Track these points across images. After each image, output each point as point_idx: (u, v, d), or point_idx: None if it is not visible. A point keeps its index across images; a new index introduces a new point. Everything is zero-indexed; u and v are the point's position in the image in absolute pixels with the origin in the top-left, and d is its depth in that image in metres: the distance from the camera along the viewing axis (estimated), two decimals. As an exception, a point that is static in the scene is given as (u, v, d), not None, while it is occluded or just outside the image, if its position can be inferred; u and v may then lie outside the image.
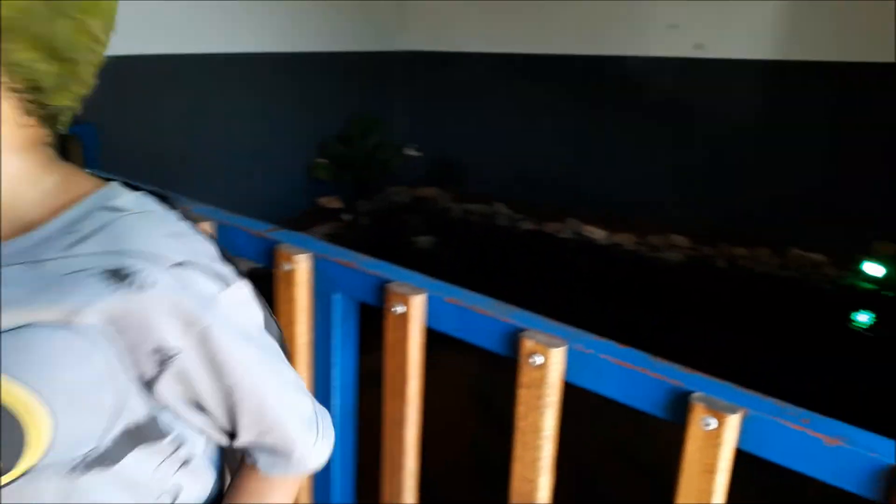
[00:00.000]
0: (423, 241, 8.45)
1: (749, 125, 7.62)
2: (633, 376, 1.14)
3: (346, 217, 8.29)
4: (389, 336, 1.35)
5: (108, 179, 0.87)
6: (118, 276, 0.74)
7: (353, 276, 1.41)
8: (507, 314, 1.26)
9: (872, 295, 6.74)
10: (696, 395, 1.08)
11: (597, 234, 8.11)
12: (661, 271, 7.66)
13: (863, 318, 6.57)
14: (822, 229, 7.41)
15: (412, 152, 9.56)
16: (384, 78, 9.25)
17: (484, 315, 1.26)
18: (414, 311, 1.31)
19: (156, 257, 0.75)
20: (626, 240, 8.03)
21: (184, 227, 0.83)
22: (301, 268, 1.47)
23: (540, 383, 1.20)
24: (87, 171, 0.91)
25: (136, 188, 0.88)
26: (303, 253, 1.45)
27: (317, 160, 8.23)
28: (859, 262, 7.02)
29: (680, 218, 8.27)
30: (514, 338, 1.23)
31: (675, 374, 1.12)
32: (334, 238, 7.92)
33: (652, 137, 8.14)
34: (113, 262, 0.74)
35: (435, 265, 7.94)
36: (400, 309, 1.31)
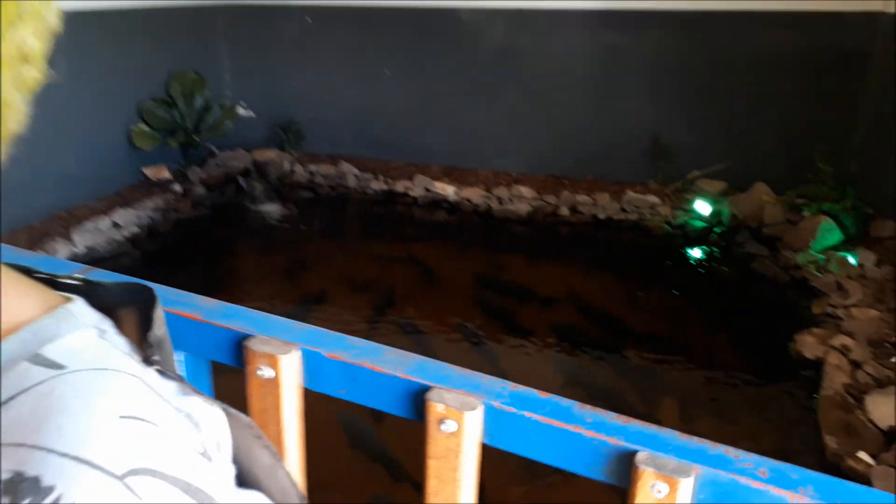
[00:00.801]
0: (270, 209, 7.94)
1: (581, 73, 7.76)
2: (564, 436, 0.96)
3: (177, 188, 7.57)
4: (255, 405, 1.07)
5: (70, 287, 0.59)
6: (16, 491, 0.41)
7: (200, 330, 1.10)
8: (406, 368, 1.02)
9: (704, 231, 7.20)
10: (642, 456, 0.92)
11: (447, 189, 8.01)
12: (512, 222, 7.73)
13: (696, 252, 7.01)
14: (654, 169, 7.80)
15: (243, 111, 8.89)
16: (206, 34, 8.44)
17: (377, 372, 1.02)
18: (285, 374, 1.04)
19: (88, 466, 0.44)
20: (474, 194, 8.01)
21: (153, 403, 0.52)
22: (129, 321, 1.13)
23: (454, 454, 0.98)
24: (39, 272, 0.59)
25: (109, 304, 0.60)
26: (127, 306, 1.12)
27: (136, 126, 7.39)
28: (691, 201, 7.45)
29: (524, 168, 8.36)
30: (418, 400, 1.00)
31: (614, 430, 0.95)
32: (166, 215, 7.21)
33: (490, 89, 8.09)
34: (16, 465, 0.42)
35: (285, 235, 7.51)
36: (267, 373, 1.03)
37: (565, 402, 1.00)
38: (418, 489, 1.03)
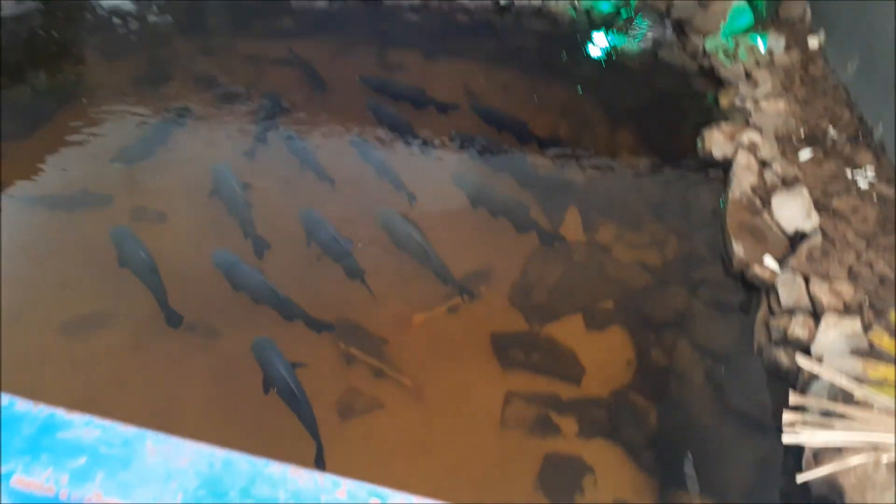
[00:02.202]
0: (118, 3, 6.65)
1: None
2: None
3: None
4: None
5: None
6: None
7: None
8: None
9: (610, 16, 6.64)
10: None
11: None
12: (404, 10, 6.86)
13: (602, 40, 6.51)
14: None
15: None
16: None
17: None
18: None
19: None
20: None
21: None
22: None
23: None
24: None
25: None
26: None
27: None
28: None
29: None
30: None
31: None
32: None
33: None
34: None
35: (138, 35, 6.35)
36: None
37: None
38: None
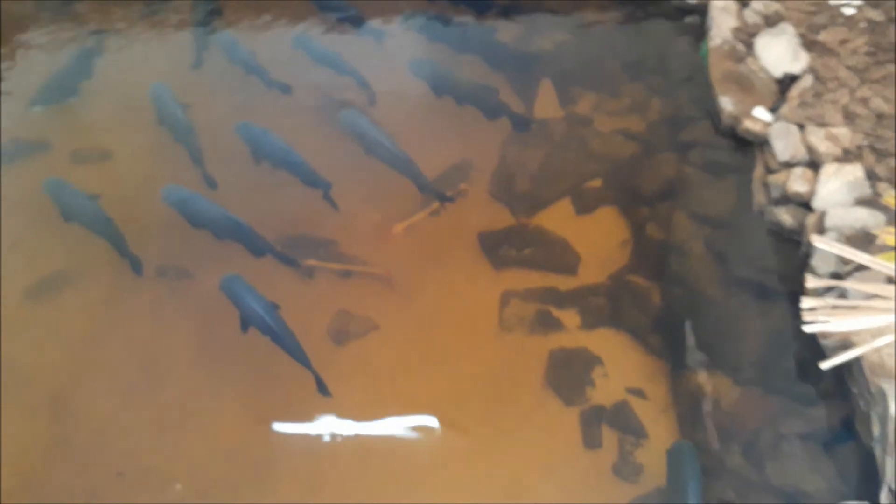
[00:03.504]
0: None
1: None
2: None
3: None
4: None
5: None
6: None
7: None
8: None
9: None
10: None
11: None
12: None
13: None
14: None
15: None
16: None
17: None
18: None
19: None
20: None
21: None
22: None
23: None
24: None
25: None
26: None
27: None
28: None
29: None
30: None
31: None
32: None
33: None
34: None
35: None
36: None
37: None
38: None
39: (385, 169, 3.65)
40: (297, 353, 3.00)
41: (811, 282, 2.65)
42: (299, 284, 3.33)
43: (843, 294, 2.58)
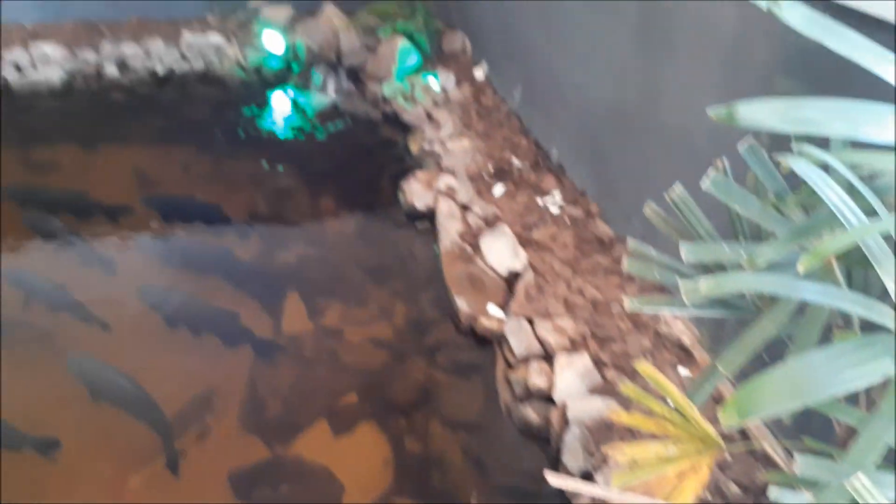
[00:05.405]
0: None
1: None
2: None
3: None
4: None
5: None
6: None
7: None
8: None
9: (282, 72, 6.39)
10: None
11: None
12: (43, 97, 5.91)
13: (280, 100, 6.21)
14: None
15: None
16: None
17: None
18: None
19: None
20: None
21: None
22: None
23: None
24: None
25: None
26: None
27: None
28: (258, 35, 6.48)
29: (41, 15, 6.38)
30: None
31: None
32: None
33: None
34: None
35: None
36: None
37: None
38: None
39: (121, 414, 3.24)
40: None
41: (553, 480, 2.71)
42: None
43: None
